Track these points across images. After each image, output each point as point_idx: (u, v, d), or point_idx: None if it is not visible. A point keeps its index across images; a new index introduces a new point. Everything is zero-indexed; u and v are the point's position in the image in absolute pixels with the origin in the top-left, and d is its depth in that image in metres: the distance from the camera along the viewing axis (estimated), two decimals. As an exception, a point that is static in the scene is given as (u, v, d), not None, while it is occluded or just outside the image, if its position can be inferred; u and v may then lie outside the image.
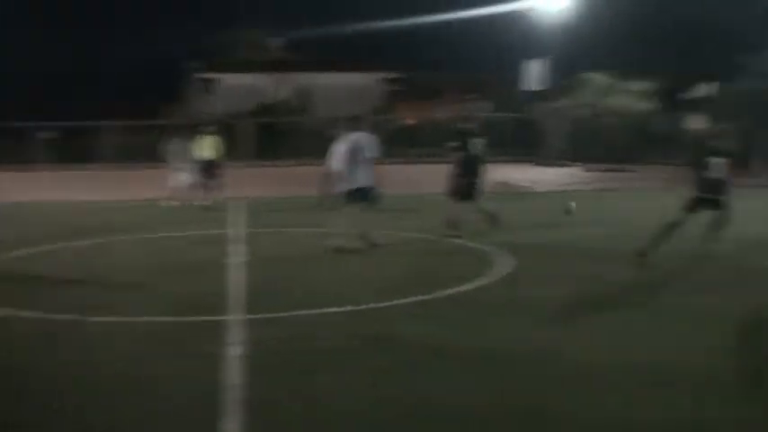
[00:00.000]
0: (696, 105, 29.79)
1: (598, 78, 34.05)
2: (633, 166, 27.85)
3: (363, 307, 6.98)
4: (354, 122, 10.81)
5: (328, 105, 36.88)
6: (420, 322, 6.51)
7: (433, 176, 14.30)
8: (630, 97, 33.41)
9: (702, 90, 31.61)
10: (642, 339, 5.92)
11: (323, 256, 9.92)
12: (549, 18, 36.22)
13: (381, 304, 7.05)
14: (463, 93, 43.37)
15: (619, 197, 18.61)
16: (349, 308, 6.92)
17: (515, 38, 39.47)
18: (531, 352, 5.59)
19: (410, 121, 45.43)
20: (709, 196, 9.33)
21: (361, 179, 10.27)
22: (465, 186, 11.48)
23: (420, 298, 7.28)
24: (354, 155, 10.23)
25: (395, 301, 7.12)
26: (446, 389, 4.84)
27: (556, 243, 10.83)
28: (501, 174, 17.41)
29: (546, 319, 6.56)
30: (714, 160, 9.39)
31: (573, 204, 13.28)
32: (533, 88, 37.84)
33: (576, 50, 35.64)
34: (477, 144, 11.63)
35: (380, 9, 38.41)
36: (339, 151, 10.36)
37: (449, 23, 42.39)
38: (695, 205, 9.38)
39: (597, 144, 32.86)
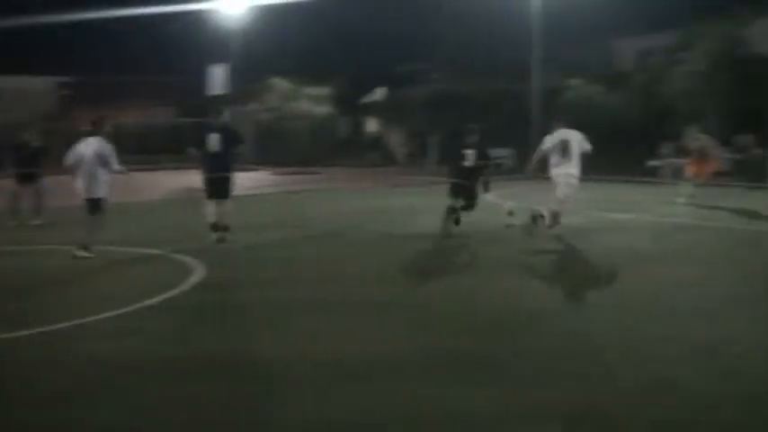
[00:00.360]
0: (371, 109, 31.83)
1: (281, 83, 34.90)
2: (317, 168, 28.99)
3: (53, 327, 6.42)
4: (96, 126, 10.26)
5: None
6: (113, 337, 6.17)
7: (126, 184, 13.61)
8: (311, 102, 34.73)
9: (377, 95, 33.81)
10: (336, 335, 6.15)
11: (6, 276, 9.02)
12: (231, 22, 36.37)
13: (73, 322, 6.54)
14: (147, 97, 41.94)
15: (305, 198, 19.21)
16: (37, 329, 6.32)
17: (199, 41, 39.02)
18: (230, 358, 5.56)
19: (85, 128, 42.85)
20: (464, 182, 11.43)
21: (97, 189, 9.85)
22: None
23: (115, 312, 6.88)
24: (102, 162, 9.81)
25: (88, 318, 6.66)
26: (137, 404, 4.65)
27: (248, 247, 10.89)
28: (187, 179, 17.09)
29: (243, 323, 6.57)
30: (467, 152, 11.53)
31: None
32: (218, 92, 37.80)
33: (259, 55, 36.17)
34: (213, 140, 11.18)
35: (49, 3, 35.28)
36: (80, 158, 9.84)
37: (127, 22, 40.29)
38: (457, 190, 11.49)
39: (282, 148, 33.76)
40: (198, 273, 8.68)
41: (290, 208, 16.28)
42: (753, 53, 26.42)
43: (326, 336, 6.04)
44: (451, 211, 11.60)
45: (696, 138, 16.66)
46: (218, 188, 11.15)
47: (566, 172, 11.13)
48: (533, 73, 28.38)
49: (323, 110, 34.31)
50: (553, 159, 11.27)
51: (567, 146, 11.16)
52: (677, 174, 21.10)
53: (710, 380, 4.83)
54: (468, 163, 11.54)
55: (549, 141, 11.37)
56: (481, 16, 34.19)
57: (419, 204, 16.24)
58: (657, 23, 30.71)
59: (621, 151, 24.41)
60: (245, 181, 24.67)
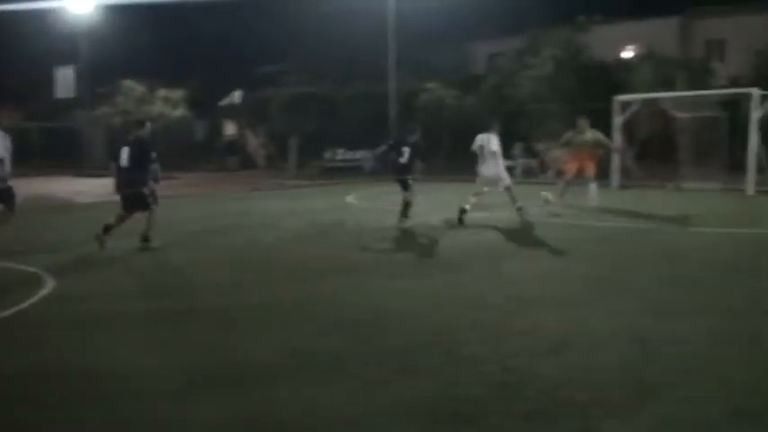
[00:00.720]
0: (229, 112, 31.39)
1: (133, 86, 33.80)
2: (176, 173, 28.25)
3: None
4: None
5: None
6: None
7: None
8: (166, 105, 33.86)
9: (234, 97, 33.39)
10: (192, 344, 6.06)
11: None
12: (80, 22, 34.82)
13: None
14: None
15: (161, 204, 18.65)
16: None
17: (45, 42, 37.08)
18: (70, 372, 5.37)
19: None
20: (400, 177, 12.68)
21: None
22: None
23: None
24: None
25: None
26: None
27: (107, 257, 10.50)
28: (40, 187, 16.27)
29: (93, 336, 6.34)
30: (404, 149, 12.60)
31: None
32: (66, 95, 36.13)
33: (110, 57, 34.86)
34: None
35: None
36: None
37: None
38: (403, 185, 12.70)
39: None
40: (49, 285, 8.30)
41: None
42: (593, 58, 28.08)
43: (181, 345, 5.93)
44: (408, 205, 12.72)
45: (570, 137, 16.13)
46: (132, 203, 10.85)
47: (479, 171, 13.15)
48: (390, 75, 28.88)
49: (178, 113, 33.49)
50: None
51: (482, 149, 12.94)
52: (528, 173, 22.09)
53: (566, 372, 5.10)
54: (402, 159, 12.60)
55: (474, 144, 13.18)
56: (339, 18, 34.52)
57: (281, 208, 16.20)
58: (509, 28, 32.04)
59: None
60: (96, 188, 23.84)
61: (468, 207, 12.84)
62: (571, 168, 15.15)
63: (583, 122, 15.45)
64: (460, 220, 12.66)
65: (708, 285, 7.75)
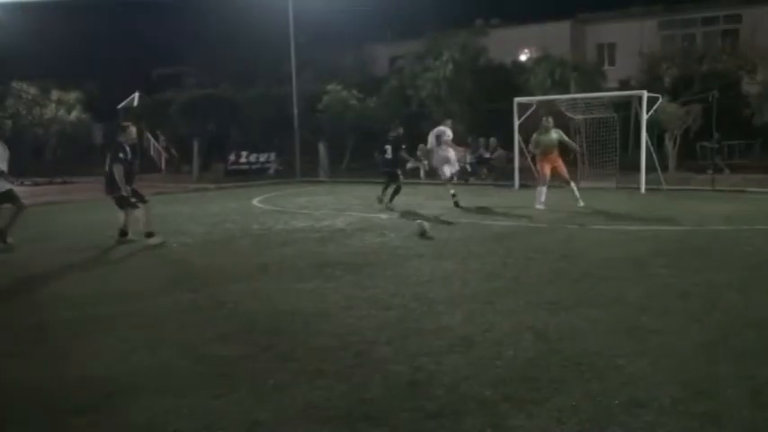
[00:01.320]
0: (128, 114, 30.60)
1: (25, 88, 32.51)
2: (72, 177, 27.38)
3: None
4: None
5: None
6: None
7: None
8: (60, 107, 32.73)
9: (132, 100, 32.58)
10: (107, 352, 5.95)
11: None
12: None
13: None
14: None
15: (61, 210, 18.09)
16: None
17: None
18: None
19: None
20: (387, 170, 15.64)
21: None
22: None
23: None
24: None
25: None
26: None
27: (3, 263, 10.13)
28: None
29: None
30: (386, 147, 15.56)
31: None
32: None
33: (1, 57, 33.41)
34: None
35: None
36: None
37: None
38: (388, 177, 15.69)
39: (29, 156, 31.51)
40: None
41: (43, 221, 15.21)
42: (491, 61, 28.78)
43: (83, 356, 5.81)
44: (397, 191, 15.61)
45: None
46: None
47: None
48: (292, 77, 28.77)
49: (74, 115, 32.41)
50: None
51: (439, 140, 15.87)
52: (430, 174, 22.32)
53: (472, 368, 5.25)
54: (387, 155, 15.46)
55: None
56: (239, 19, 34.18)
57: (185, 212, 15.94)
58: (409, 32, 32.45)
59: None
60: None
61: (453, 192, 15.57)
62: (545, 172, 15.34)
63: (546, 122, 15.54)
64: (457, 204, 15.39)
65: (605, 280, 8.10)
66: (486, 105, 25.41)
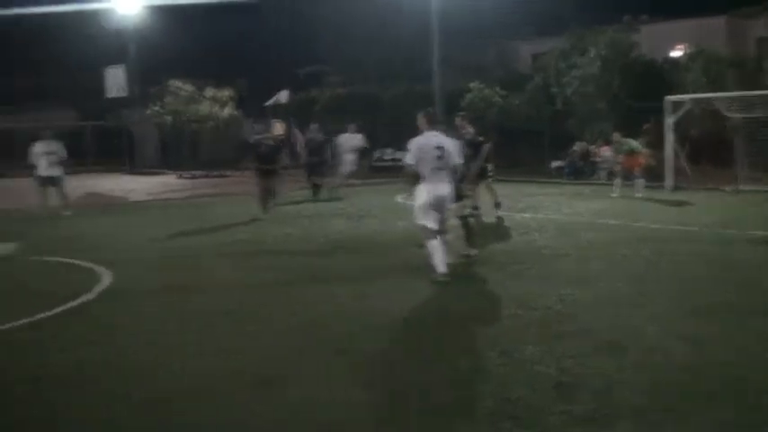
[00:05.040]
0: (276, 111, 31.70)
1: (182, 85, 34.27)
2: (225, 171, 28.67)
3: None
4: None
5: None
6: (26, 345, 6.05)
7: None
8: (214, 104, 34.26)
9: (280, 97, 33.63)
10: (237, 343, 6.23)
11: None
12: (129, 22, 35.43)
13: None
14: (38, 99, 40.35)
15: (214, 202, 18.97)
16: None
17: (95, 41, 37.78)
18: (145, 364, 5.58)
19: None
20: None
21: None
22: None
23: (25, 321, 6.75)
24: None
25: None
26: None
27: (156, 254, 10.77)
28: (94, 185, 16.70)
29: (153, 330, 6.56)
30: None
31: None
32: (117, 95, 36.76)
33: (159, 57, 35.42)
34: None
35: None
36: None
37: (18, 21, 38.43)
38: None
39: (186, 151, 33.30)
40: (106, 280, 8.59)
41: (201, 213, 16.04)
42: (641, 57, 27.76)
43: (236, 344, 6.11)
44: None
45: (619, 142, 18.07)
46: None
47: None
48: (434, 74, 28.85)
49: (227, 112, 33.91)
50: None
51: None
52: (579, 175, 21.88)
53: (621, 373, 5.13)
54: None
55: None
56: (382, 18, 34.59)
57: (335, 206, 16.37)
58: (552, 29, 31.83)
59: (522, 153, 25.25)
60: (148, 186, 24.34)
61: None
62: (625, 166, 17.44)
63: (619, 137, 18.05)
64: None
65: (756, 288, 7.68)
66: (637, 104, 24.52)
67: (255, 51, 40.28)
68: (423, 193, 8.08)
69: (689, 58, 26.94)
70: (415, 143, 8.22)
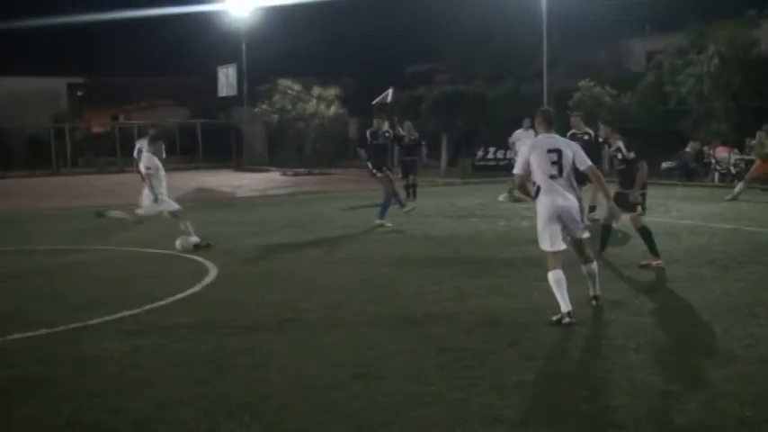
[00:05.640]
0: (381, 110, 31.92)
1: (290, 84, 34.93)
2: (330, 170, 29.07)
3: (62, 328, 6.51)
4: None
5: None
6: (131, 337, 6.25)
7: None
8: (321, 102, 34.77)
9: (386, 96, 33.81)
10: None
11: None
12: (240, 23, 36.45)
13: (87, 323, 6.63)
14: (158, 98, 42.12)
15: (316, 200, 19.22)
16: (43, 331, 6.41)
17: (207, 41, 39.12)
18: (258, 358, 5.67)
19: (98, 129, 43.22)
20: None
21: None
22: None
23: (131, 312, 6.98)
24: None
25: (102, 319, 6.75)
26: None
27: (265, 248, 10.98)
28: (204, 180, 17.21)
29: (260, 323, 6.66)
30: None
31: None
32: (228, 94, 37.91)
33: (268, 56, 36.25)
34: None
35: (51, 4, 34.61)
36: None
37: (133, 23, 40.21)
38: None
39: (293, 148, 33.91)
40: (212, 273, 8.82)
41: (305, 210, 16.29)
42: (763, 54, 26.38)
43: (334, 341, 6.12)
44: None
45: (762, 144, 17.63)
46: None
47: None
48: (543, 74, 28.35)
49: (332, 110, 34.35)
50: None
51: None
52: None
53: (731, 384, 4.85)
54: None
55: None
56: (491, 16, 34.28)
57: (437, 204, 16.31)
58: (668, 26, 30.71)
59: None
60: (255, 182, 24.97)
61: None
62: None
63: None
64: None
65: None
66: (757, 103, 23.32)
67: (364, 50, 40.64)
68: (539, 208, 6.66)
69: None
70: (524, 148, 7.02)
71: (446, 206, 16.22)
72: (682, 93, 25.32)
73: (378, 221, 12.74)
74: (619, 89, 27.79)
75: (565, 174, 6.57)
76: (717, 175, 21.06)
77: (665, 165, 22.71)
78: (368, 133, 13.85)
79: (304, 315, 6.93)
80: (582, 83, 28.11)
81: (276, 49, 37.24)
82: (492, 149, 28.21)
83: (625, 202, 8.69)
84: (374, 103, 33.46)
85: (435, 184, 22.60)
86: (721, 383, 4.84)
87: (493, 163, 27.68)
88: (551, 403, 4.63)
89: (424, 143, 18.98)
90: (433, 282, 8.23)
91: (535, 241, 6.70)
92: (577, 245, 6.72)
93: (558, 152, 6.58)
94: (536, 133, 7.42)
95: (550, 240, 6.51)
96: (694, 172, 21.88)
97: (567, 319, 6.26)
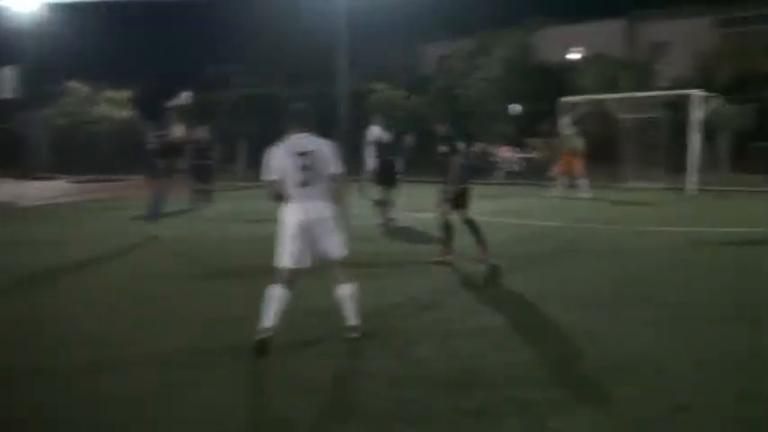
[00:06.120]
0: (176, 113, 31.01)
1: (78, 87, 33.14)
2: (121, 176, 27.79)
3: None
4: None
5: None
6: None
7: None
8: (111, 106, 33.28)
9: (181, 99, 32.89)
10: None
11: None
12: (23, 21, 33.94)
13: None
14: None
15: (106, 207, 18.30)
16: None
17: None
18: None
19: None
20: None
21: None
22: None
23: None
24: None
25: None
26: None
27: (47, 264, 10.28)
28: None
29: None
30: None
31: None
32: (7, 96, 35.19)
33: (54, 57, 34.12)
34: None
35: None
36: None
37: None
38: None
39: (81, 154, 32.11)
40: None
41: (91, 219, 15.44)
42: (542, 60, 28.44)
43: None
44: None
45: (568, 137, 18.49)
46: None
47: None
48: (339, 76, 28.82)
49: (124, 114, 32.93)
50: None
51: None
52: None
53: (515, 368, 5.15)
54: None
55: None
56: (290, 20, 34.37)
57: (228, 209, 16.05)
58: (458, 31, 32.25)
59: (426, 154, 25.38)
60: (40, 191, 23.33)
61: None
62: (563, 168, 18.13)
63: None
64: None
65: (648, 282, 7.90)
66: (535, 105, 25.09)
67: (160, 52, 39.39)
68: (286, 220, 5.80)
69: (585, 60, 27.78)
70: (275, 150, 5.88)
71: (242, 210, 15.99)
72: (470, 95, 26.72)
73: (147, 229, 11.93)
74: (412, 92, 28.83)
75: (317, 181, 5.74)
76: (501, 173, 22.40)
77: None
78: (152, 136, 13.16)
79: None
80: (377, 85, 28.88)
81: (66, 49, 35.12)
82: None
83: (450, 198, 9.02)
84: (169, 105, 32.48)
85: (232, 189, 22.27)
86: (506, 369, 5.11)
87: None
88: (342, 401, 4.66)
89: (215, 147, 18.37)
90: (226, 286, 8.07)
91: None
92: (331, 264, 5.90)
93: (310, 155, 5.75)
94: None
95: (292, 257, 5.71)
96: (479, 170, 23.17)
97: (260, 337, 5.54)
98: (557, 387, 4.77)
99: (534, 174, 22.46)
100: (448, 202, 9.10)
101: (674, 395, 4.57)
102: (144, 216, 12.17)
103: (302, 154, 5.73)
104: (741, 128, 22.19)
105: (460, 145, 9.70)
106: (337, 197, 5.86)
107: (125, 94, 33.07)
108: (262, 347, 5.49)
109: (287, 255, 5.72)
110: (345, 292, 5.86)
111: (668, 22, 36.09)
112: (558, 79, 26.34)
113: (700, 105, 19.11)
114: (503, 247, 10.05)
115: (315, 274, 5.88)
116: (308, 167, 5.71)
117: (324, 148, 5.82)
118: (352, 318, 5.87)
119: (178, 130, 13.87)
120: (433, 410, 4.43)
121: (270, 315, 5.59)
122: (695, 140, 19.00)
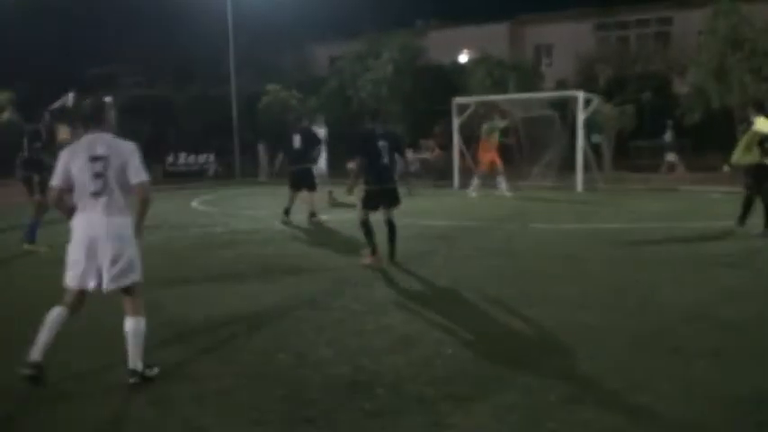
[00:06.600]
0: (62, 115, 29.85)
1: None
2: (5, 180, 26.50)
3: None
4: None
5: None
6: None
7: None
8: (-10, 108, 31.70)
9: (66, 100, 31.72)
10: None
11: None
12: None
13: None
14: None
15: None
16: None
17: None
18: None
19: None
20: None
21: None
22: None
23: None
24: None
25: None
26: None
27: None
28: None
29: None
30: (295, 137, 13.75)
31: None
32: None
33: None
34: None
35: None
36: None
37: None
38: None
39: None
40: None
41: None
42: (430, 61, 28.91)
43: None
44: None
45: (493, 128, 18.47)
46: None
47: None
48: (231, 77, 28.46)
49: (5, 116, 31.41)
50: None
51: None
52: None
53: (412, 368, 5.25)
54: (296, 145, 13.73)
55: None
56: (177, 18, 33.67)
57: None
58: (348, 32, 32.41)
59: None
60: None
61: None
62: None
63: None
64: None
65: (542, 278, 8.20)
66: (426, 106, 25.50)
67: (40, 53, 37.73)
68: (73, 234, 5.04)
69: (474, 62, 28.43)
70: (65, 153, 5.07)
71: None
72: (362, 96, 26.88)
73: (26, 246, 10.97)
74: (305, 93, 28.77)
75: (113, 191, 4.97)
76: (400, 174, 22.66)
77: (350, 165, 23.94)
78: (33, 148, 12.01)
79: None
80: (270, 86, 28.67)
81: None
82: (183, 155, 27.76)
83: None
84: (52, 108, 31.25)
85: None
86: (406, 368, 5.22)
87: (184, 168, 27.26)
88: (244, 406, 4.65)
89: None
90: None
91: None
92: (123, 290, 5.05)
93: (105, 161, 4.95)
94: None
95: (75, 276, 4.97)
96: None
97: (26, 371, 4.80)
98: (456, 383, 4.89)
99: (429, 174, 22.84)
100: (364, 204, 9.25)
101: (567, 384, 4.78)
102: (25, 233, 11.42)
103: (96, 159, 4.95)
104: (622, 127, 23.26)
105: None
106: (139, 211, 5.09)
107: (5, 96, 31.58)
108: (34, 382, 4.82)
109: (70, 273, 4.99)
110: (130, 326, 5.00)
111: (552, 25, 37.50)
112: (449, 80, 26.87)
113: (582, 106, 19.89)
114: (401, 247, 10.21)
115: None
116: (99, 174, 4.93)
117: (123, 153, 5.01)
118: (133, 359, 4.95)
119: (63, 132, 13.31)
120: (335, 412, 4.47)
121: (40, 343, 4.87)
122: (580, 140, 19.77)
